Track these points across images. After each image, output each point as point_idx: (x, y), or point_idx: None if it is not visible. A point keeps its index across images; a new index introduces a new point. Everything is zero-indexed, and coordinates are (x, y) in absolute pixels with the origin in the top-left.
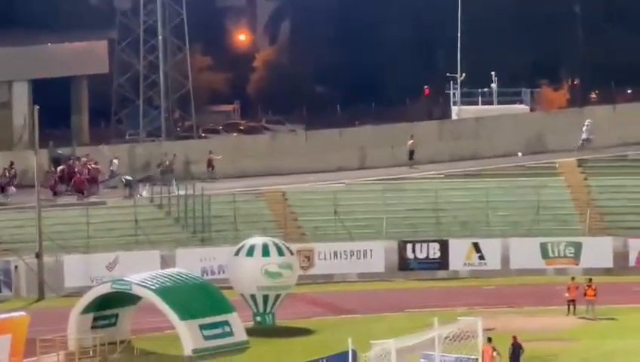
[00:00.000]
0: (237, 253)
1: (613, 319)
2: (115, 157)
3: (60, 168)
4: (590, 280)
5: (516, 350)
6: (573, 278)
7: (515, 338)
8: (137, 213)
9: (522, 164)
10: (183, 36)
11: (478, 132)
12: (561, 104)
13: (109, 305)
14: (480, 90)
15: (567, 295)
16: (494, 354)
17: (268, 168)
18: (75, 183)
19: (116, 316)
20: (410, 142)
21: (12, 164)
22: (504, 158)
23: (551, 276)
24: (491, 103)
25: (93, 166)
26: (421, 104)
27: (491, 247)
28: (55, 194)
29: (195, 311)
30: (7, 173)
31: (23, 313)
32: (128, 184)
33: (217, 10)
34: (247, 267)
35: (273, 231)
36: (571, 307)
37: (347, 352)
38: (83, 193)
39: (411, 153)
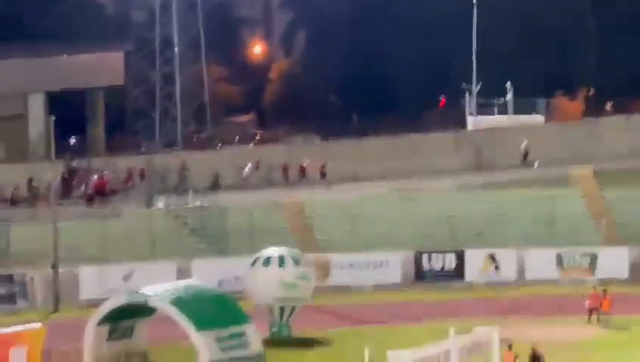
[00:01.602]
0: (253, 264)
1: (629, 330)
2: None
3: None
4: (605, 291)
5: (536, 360)
6: (594, 287)
7: (534, 348)
8: (153, 224)
9: (537, 174)
10: (199, 47)
11: (493, 142)
12: (576, 114)
13: (125, 317)
14: (495, 100)
15: (587, 303)
16: (517, 361)
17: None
18: (96, 187)
19: (132, 328)
20: (524, 143)
21: (31, 180)
22: (519, 169)
23: (566, 286)
24: (506, 113)
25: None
26: (436, 115)
27: (507, 258)
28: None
29: (212, 321)
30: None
31: (39, 324)
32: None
33: (233, 21)
34: (264, 278)
35: (290, 242)
36: (593, 316)
37: None
38: (103, 195)
39: (525, 155)
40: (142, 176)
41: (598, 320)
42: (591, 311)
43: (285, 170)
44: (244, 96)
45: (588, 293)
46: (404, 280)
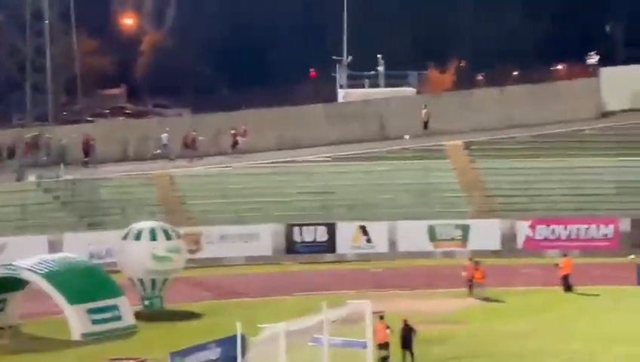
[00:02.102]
0: (125, 237)
1: (501, 301)
2: (166, 131)
3: None
4: (477, 262)
5: (407, 333)
6: (471, 259)
7: (405, 321)
8: (24, 197)
9: (409, 146)
10: (69, 19)
11: (364, 115)
12: (448, 86)
13: None
14: (366, 73)
15: (464, 274)
16: (388, 331)
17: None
18: None
19: (4, 301)
20: (424, 111)
21: None
22: (391, 141)
23: (439, 258)
24: (378, 86)
25: None
26: (307, 86)
27: (379, 230)
28: None
29: (84, 295)
30: None
31: None
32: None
33: None
34: (135, 251)
35: (161, 215)
36: (471, 287)
37: (236, 336)
38: None
39: (425, 123)
40: (11, 149)
41: (472, 291)
42: (469, 283)
43: (187, 142)
44: (116, 69)
45: (465, 265)
46: (275, 252)
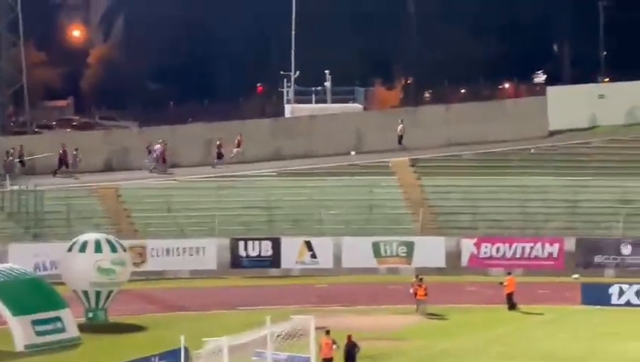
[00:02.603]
0: (70, 249)
1: (445, 319)
2: (159, 142)
3: None
4: (421, 279)
5: (351, 349)
6: (417, 276)
7: (349, 337)
8: None
9: (355, 163)
10: (17, 31)
11: (311, 131)
12: (395, 103)
13: None
14: (314, 88)
15: (411, 291)
16: (334, 347)
17: (102, 164)
18: None
19: None
20: (400, 126)
21: None
22: (337, 157)
23: (383, 275)
24: (325, 102)
25: None
26: (254, 102)
27: (323, 246)
28: None
29: (28, 306)
30: None
31: None
32: None
33: (52, 6)
34: (80, 263)
35: (106, 227)
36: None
37: (179, 349)
38: None
39: (400, 138)
40: None
41: (417, 309)
42: (416, 299)
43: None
44: (63, 81)
45: (412, 282)
46: (220, 266)
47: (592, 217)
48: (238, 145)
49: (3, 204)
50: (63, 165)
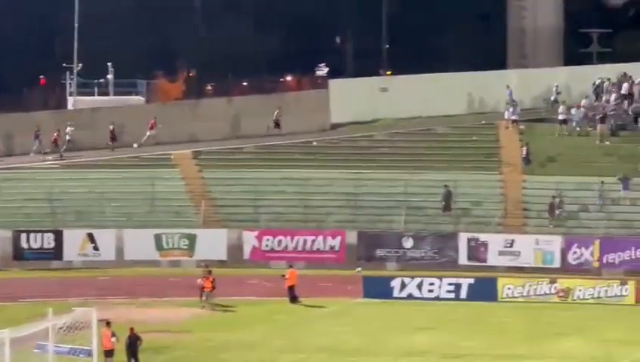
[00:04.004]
0: None
1: (229, 311)
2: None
3: None
4: (210, 271)
5: (133, 341)
6: (206, 266)
7: (132, 329)
8: None
9: (137, 155)
10: None
11: (94, 123)
12: (177, 96)
13: None
14: (96, 81)
15: (199, 282)
16: (113, 339)
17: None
18: None
19: None
20: (277, 112)
21: None
22: (120, 149)
23: (165, 268)
24: (107, 94)
25: None
26: (37, 93)
27: (106, 238)
28: None
29: None
30: None
31: None
32: None
33: None
34: None
35: None
36: (202, 296)
37: None
38: None
39: (277, 123)
40: None
41: (203, 300)
42: (202, 291)
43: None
44: None
45: (200, 274)
46: (2, 259)
47: (374, 210)
48: (152, 128)
49: None
50: None
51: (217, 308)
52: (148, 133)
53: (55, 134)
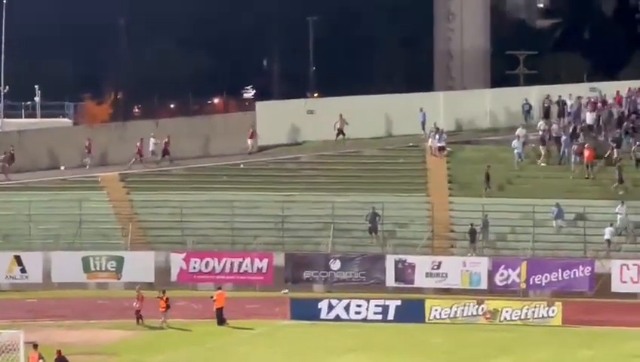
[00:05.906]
0: None
1: (156, 333)
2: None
3: None
4: (164, 292)
5: None
6: (138, 289)
7: (59, 352)
8: None
9: (65, 177)
10: None
11: (21, 145)
12: (105, 118)
13: None
14: (24, 103)
15: (135, 304)
16: (40, 361)
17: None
18: None
19: None
20: (338, 121)
21: None
22: (46, 172)
23: (93, 290)
24: (35, 117)
25: None
26: None
27: (33, 260)
28: None
29: None
30: None
31: None
32: None
33: None
34: None
35: None
36: (140, 319)
37: None
38: None
39: (340, 130)
40: None
41: (161, 321)
42: (137, 313)
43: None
44: None
45: (136, 296)
46: None
47: (301, 232)
48: (251, 137)
49: None
50: None
51: (144, 330)
52: (249, 142)
53: None
